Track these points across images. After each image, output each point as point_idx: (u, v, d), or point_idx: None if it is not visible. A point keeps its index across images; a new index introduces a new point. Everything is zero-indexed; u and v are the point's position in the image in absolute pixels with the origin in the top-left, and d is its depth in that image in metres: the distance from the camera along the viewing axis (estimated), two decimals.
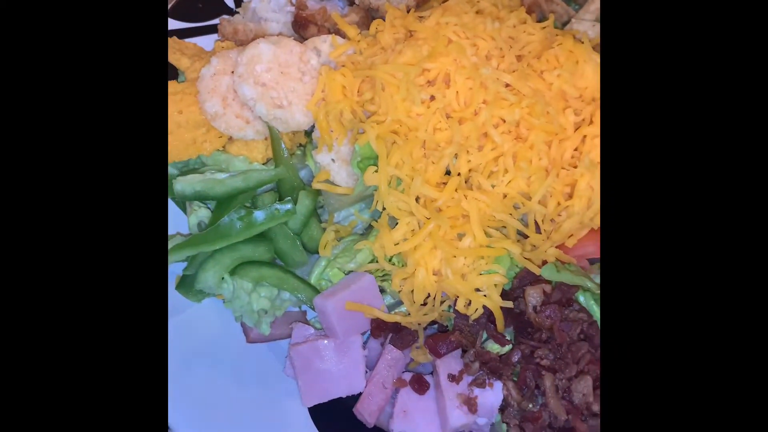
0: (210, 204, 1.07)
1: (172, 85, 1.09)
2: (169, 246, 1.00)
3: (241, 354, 1.06)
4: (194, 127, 1.07)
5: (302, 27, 1.16)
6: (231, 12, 1.31)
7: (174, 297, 1.06)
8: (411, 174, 0.98)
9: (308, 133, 1.14)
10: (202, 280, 0.98)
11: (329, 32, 1.15)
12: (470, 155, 1.00)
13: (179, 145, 1.05)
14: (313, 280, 1.05)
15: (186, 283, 1.05)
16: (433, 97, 1.00)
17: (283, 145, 1.06)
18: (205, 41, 1.27)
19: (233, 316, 1.08)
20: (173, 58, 1.16)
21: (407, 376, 1.03)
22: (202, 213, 1.05)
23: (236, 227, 1.00)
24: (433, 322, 1.04)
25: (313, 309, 1.04)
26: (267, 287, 1.02)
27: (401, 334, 1.02)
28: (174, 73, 1.20)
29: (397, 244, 0.98)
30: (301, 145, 1.14)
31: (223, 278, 1.00)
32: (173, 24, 1.27)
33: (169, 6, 1.28)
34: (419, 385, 1.01)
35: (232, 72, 1.07)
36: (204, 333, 1.06)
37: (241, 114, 1.06)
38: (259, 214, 1.01)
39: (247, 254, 1.01)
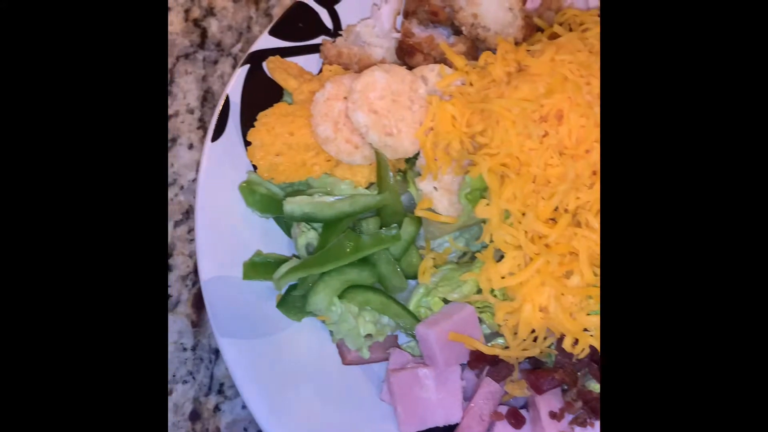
0: (317, 226, 1.09)
1: (282, 107, 1.11)
2: (285, 269, 1.02)
3: (338, 375, 1.07)
4: (304, 149, 1.08)
5: (408, 54, 1.18)
6: (329, 33, 1.33)
7: (275, 315, 1.08)
8: (522, 209, 0.99)
9: (408, 160, 1.15)
10: (313, 302, 1.00)
11: (435, 61, 1.17)
12: (580, 192, 1.00)
13: (290, 166, 1.07)
14: (411, 307, 1.06)
15: (288, 302, 1.07)
16: (546, 133, 1.01)
17: (390, 173, 1.07)
18: (305, 61, 1.30)
19: (329, 337, 1.09)
20: (280, 78, 1.18)
21: (503, 410, 1.03)
22: (311, 235, 1.07)
23: (345, 251, 1.01)
24: (528, 357, 1.04)
25: (412, 336, 1.04)
26: (370, 312, 1.03)
27: (499, 366, 1.03)
28: (278, 92, 1.23)
29: (504, 277, 0.98)
30: (400, 170, 1.15)
31: (331, 301, 1.01)
32: (275, 42, 1.29)
33: (271, 25, 1.31)
34: (516, 419, 1.02)
35: (344, 97, 1.08)
36: (302, 352, 1.07)
37: (351, 139, 1.08)
38: (366, 239, 1.02)
39: (353, 278, 1.02)
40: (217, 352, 1.21)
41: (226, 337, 1.03)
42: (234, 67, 1.48)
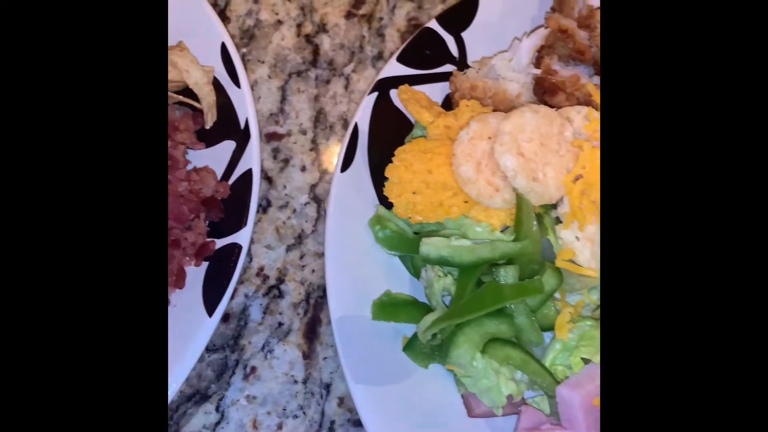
0: (452, 271, 1.04)
1: (421, 143, 1.07)
2: (430, 320, 0.97)
3: (463, 428, 1.02)
4: (441, 188, 1.04)
5: (549, 93, 1.13)
6: (455, 61, 1.29)
7: (403, 358, 1.03)
8: None
9: (544, 205, 1.10)
10: (455, 356, 0.95)
11: (579, 102, 1.11)
12: None
13: (428, 206, 1.03)
14: (547, 364, 1.00)
15: (415, 347, 1.03)
16: None
17: (533, 220, 1.02)
18: (430, 89, 1.25)
19: (454, 386, 1.05)
20: (413, 109, 1.14)
21: None
22: (448, 281, 1.02)
23: (487, 300, 0.97)
24: None
25: (551, 396, 0.99)
26: (509, 368, 0.98)
27: None
28: (406, 122, 1.18)
29: None
30: (536, 215, 1.10)
31: (474, 356, 0.97)
32: (402, 69, 1.25)
33: (398, 51, 1.27)
34: None
35: (489, 137, 1.04)
36: (428, 401, 1.03)
37: (492, 181, 1.03)
38: (507, 288, 0.97)
39: (491, 330, 0.98)
40: (328, 388, 1.17)
41: (359, 384, 0.99)
42: (346, 88, 1.44)
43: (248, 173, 1.11)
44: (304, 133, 1.40)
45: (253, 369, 1.18)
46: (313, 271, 1.27)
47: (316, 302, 1.24)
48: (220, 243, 1.08)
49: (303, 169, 1.36)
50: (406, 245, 1.06)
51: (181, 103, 1.18)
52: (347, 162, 1.14)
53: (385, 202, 1.13)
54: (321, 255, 1.28)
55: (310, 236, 1.29)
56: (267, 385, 1.17)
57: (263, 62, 1.45)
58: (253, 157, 1.12)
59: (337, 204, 1.10)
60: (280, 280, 1.25)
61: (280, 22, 1.50)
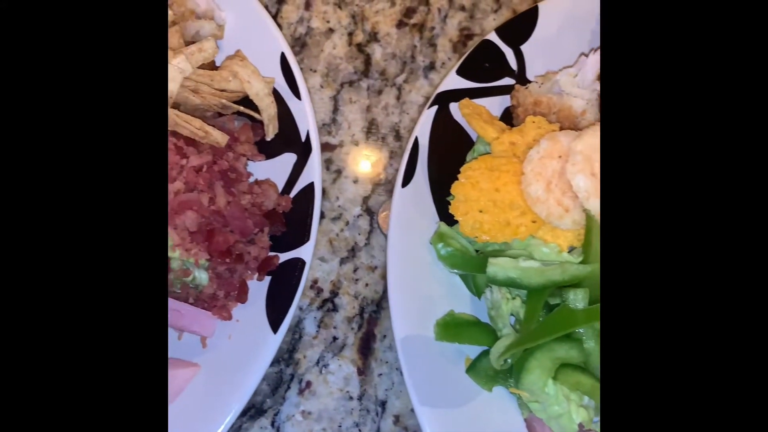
0: (521, 293, 1.02)
1: (488, 160, 1.05)
2: (502, 346, 0.95)
3: None
4: (509, 207, 1.02)
5: None
6: (514, 74, 1.27)
7: (466, 380, 1.02)
8: None
9: None
10: (527, 382, 0.93)
11: None
12: None
13: (495, 225, 1.01)
14: None
15: (478, 369, 1.01)
16: None
17: None
18: (489, 103, 1.23)
19: (517, 410, 1.03)
20: (477, 125, 1.12)
21: None
22: (516, 304, 1.00)
23: (557, 324, 0.94)
24: None
25: None
26: (578, 394, 0.96)
27: None
28: (465, 136, 1.17)
29: None
30: None
31: (546, 382, 0.95)
32: (461, 83, 1.23)
33: (458, 64, 1.25)
34: None
35: (559, 156, 1.01)
36: (491, 424, 1.01)
37: (562, 201, 1.01)
38: (580, 312, 0.95)
39: (561, 355, 0.95)
40: (383, 405, 1.16)
41: (425, 406, 0.97)
42: (398, 99, 1.43)
43: (310, 187, 1.10)
44: (356, 144, 1.38)
45: (308, 384, 1.17)
46: (367, 285, 1.25)
47: (370, 317, 1.23)
48: (282, 257, 1.06)
49: (355, 180, 1.35)
50: (470, 264, 1.05)
51: (239, 113, 1.17)
52: (408, 177, 1.13)
53: (445, 218, 1.11)
54: (374, 269, 1.27)
55: (363, 249, 1.28)
56: (322, 401, 1.16)
57: (315, 71, 1.44)
58: (315, 171, 1.11)
59: (398, 220, 1.09)
60: (334, 294, 1.24)
61: (331, 30, 1.49)
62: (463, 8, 1.53)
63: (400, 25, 1.51)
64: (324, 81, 1.43)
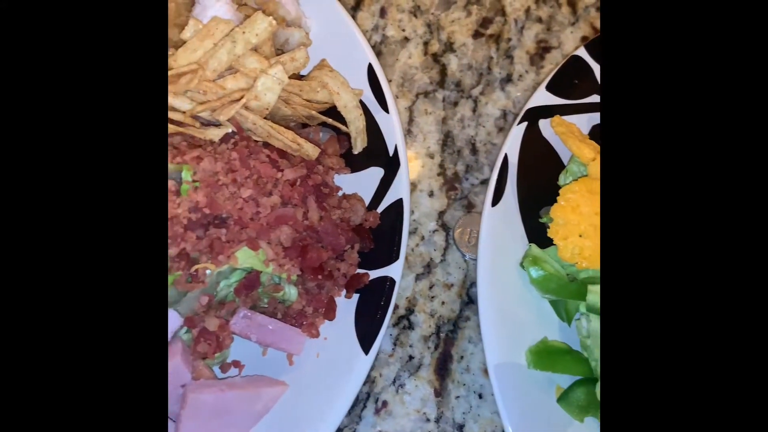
0: None
1: (587, 183, 1.01)
2: None
3: None
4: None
5: None
6: None
7: (559, 410, 0.98)
8: None
9: None
10: None
11: None
12: None
13: (596, 251, 0.97)
14: None
15: (570, 399, 0.98)
16: None
17: None
18: (577, 121, 1.20)
19: None
20: (573, 144, 1.08)
21: None
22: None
23: None
24: None
25: None
26: None
27: None
28: (554, 154, 1.13)
29: None
30: None
31: None
32: (551, 99, 1.19)
33: (548, 79, 1.21)
34: None
35: None
36: None
37: None
38: None
39: None
40: (461, 429, 1.13)
41: None
42: (474, 111, 1.40)
43: (398, 203, 1.07)
44: (431, 156, 1.35)
45: (385, 403, 1.14)
46: (443, 303, 1.22)
47: (447, 337, 1.20)
48: (371, 275, 1.04)
49: (431, 194, 1.32)
50: (566, 290, 1.01)
51: (324, 125, 1.14)
52: (497, 196, 1.10)
53: (536, 240, 1.08)
54: (450, 286, 1.24)
55: (438, 266, 1.25)
56: (399, 422, 1.13)
57: (390, 80, 1.41)
58: (403, 187, 1.08)
59: (488, 241, 1.05)
60: (410, 311, 1.21)
61: (407, 39, 1.46)
62: (540, 20, 1.49)
63: (477, 35, 1.48)
64: (399, 91, 1.40)
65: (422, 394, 1.15)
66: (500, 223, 1.08)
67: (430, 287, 1.23)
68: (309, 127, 1.14)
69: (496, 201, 1.09)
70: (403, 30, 1.47)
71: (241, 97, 0.98)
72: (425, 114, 1.39)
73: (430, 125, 1.38)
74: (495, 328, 1.00)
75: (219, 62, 0.98)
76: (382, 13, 1.48)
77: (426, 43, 1.46)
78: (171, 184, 0.93)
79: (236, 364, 1.00)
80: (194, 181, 0.93)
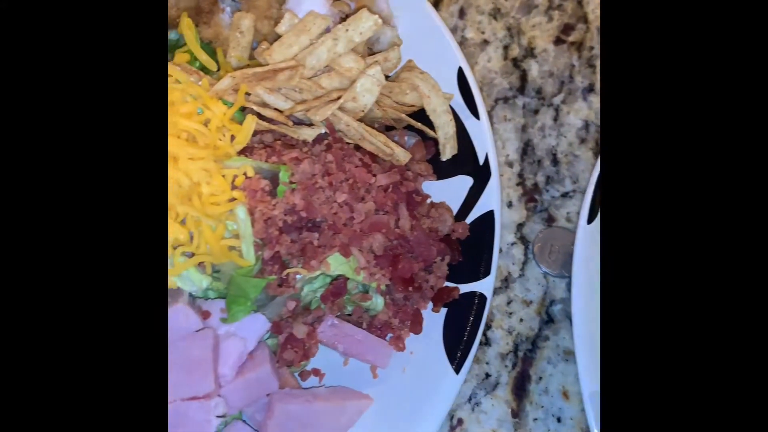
0: None
1: None
2: None
3: None
4: None
5: None
6: None
7: None
8: None
9: None
10: None
11: None
12: None
13: None
14: None
15: None
16: None
17: None
18: None
19: None
20: None
21: None
22: None
23: None
24: None
25: None
26: None
27: None
28: None
29: None
30: None
31: None
32: None
33: None
34: None
35: None
36: None
37: None
38: None
39: None
40: None
41: None
42: (555, 120, 1.34)
43: (489, 215, 1.02)
44: (510, 165, 1.30)
45: (460, 421, 1.10)
46: (521, 320, 1.17)
47: (525, 356, 1.15)
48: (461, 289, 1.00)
49: (510, 204, 1.27)
50: None
51: (409, 128, 1.10)
52: (593, 213, 1.04)
53: None
54: (529, 303, 1.19)
55: (517, 281, 1.20)
56: None
57: None
58: (494, 198, 1.03)
59: (583, 261, 1.00)
60: (487, 326, 1.17)
61: (486, 42, 1.41)
62: None
63: (558, 42, 1.42)
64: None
65: (498, 414, 1.11)
66: (596, 242, 1.03)
67: (508, 303, 1.19)
68: (394, 130, 1.10)
69: (591, 218, 1.04)
70: (483, 32, 1.42)
71: (339, 97, 0.94)
72: (504, 120, 1.34)
73: (509, 132, 1.33)
74: (592, 355, 0.95)
75: (318, 60, 0.94)
76: (461, 14, 1.44)
77: (506, 47, 1.41)
78: (264, 183, 0.90)
79: (316, 372, 0.97)
80: (291, 182, 0.89)
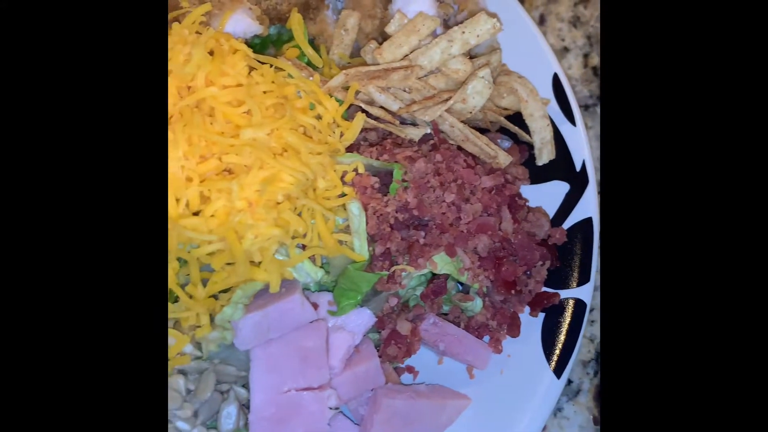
0: None
1: None
2: None
3: None
4: None
5: None
6: None
7: None
8: None
9: None
10: None
11: None
12: None
13: None
14: None
15: None
16: None
17: None
18: None
19: None
20: None
21: None
22: None
23: None
24: None
25: None
26: None
27: None
28: None
29: None
30: None
31: None
32: None
33: None
34: None
35: None
36: None
37: None
38: None
39: None
40: None
41: None
42: None
43: (587, 222, 1.02)
44: None
45: (544, 427, 1.10)
46: None
47: None
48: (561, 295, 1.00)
49: None
50: None
51: (502, 130, 1.11)
52: None
53: None
54: None
55: (598, 287, 1.20)
56: None
57: None
58: (592, 205, 1.03)
59: None
60: None
61: (566, 50, 1.41)
62: None
63: None
64: None
65: (580, 421, 1.10)
66: None
67: (590, 310, 1.19)
68: (488, 133, 1.10)
69: None
70: (563, 40, 1.42)
71: (449, 98, 0.95)
72: (585, 128, 1.34)
73: (591, 140, 1.33)
74: None
75: (430, 61, 0.95)
76: (542, 20, 1.44)
77: (586, 56, 1.41)
78: (374, 180, 0.91)
79: (410, 369, 0.97)
80: (404, 180, 0.90)
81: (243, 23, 0.96)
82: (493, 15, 0.98)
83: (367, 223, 0.88)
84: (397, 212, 0.89)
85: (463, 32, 0.95)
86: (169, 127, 0.82)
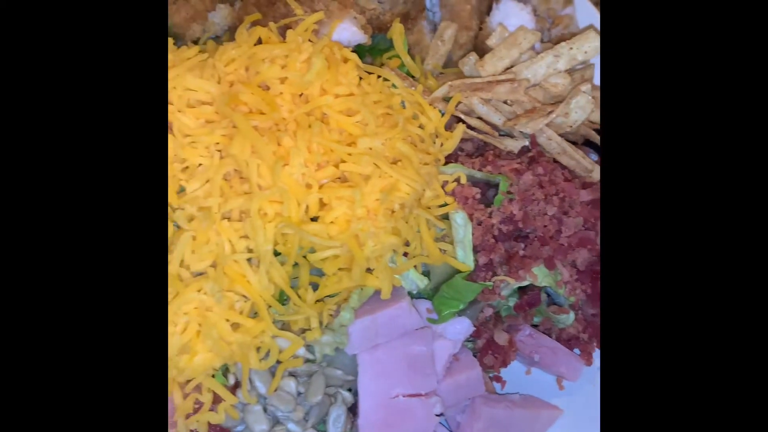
0: None
1: None
2: None
3: None
4: None
5: None
6: None
7: None
8: None
9: None
10: None
11: None
12: None
13: None
14: None
15: None
16: None
17: None
18: None
19: None
20: None
21: None
22: None
23: None
24: None
25: None
26: None
27: None
28: None
29: None
30: None
31: None
32: None
33: None
34: None
35: None
36: None
37: None
38: None
39: None
40: None
41: None
42: None
43: None
44: None
45: None
46: None
47: None
48: None
49: None
50: None
51: (587, 144, 1.11)
52: None
53: None
54: None
55: None
56: None
57: None
58: None
59: None
60: None
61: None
62: None
63: None
64: None
65: None
66: None
67: None
68: (576, 145, 1.11)
69: None
70: None
71: (551, 111, 0.96)
72: None
73: None
74: None
75: (534, 75, 0.96)
76: None
77: None
78: (475, 191, 0.92)
79: (497, 379, 0.99)
80: (509, 192, 0.92)
81: (349, 32, 0.97)
82: (598, 32, 0.99)
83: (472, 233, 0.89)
84: (501, 223, 0.91)
85: (571, 48, 0.96)
86: (285, 134, 0.84)
